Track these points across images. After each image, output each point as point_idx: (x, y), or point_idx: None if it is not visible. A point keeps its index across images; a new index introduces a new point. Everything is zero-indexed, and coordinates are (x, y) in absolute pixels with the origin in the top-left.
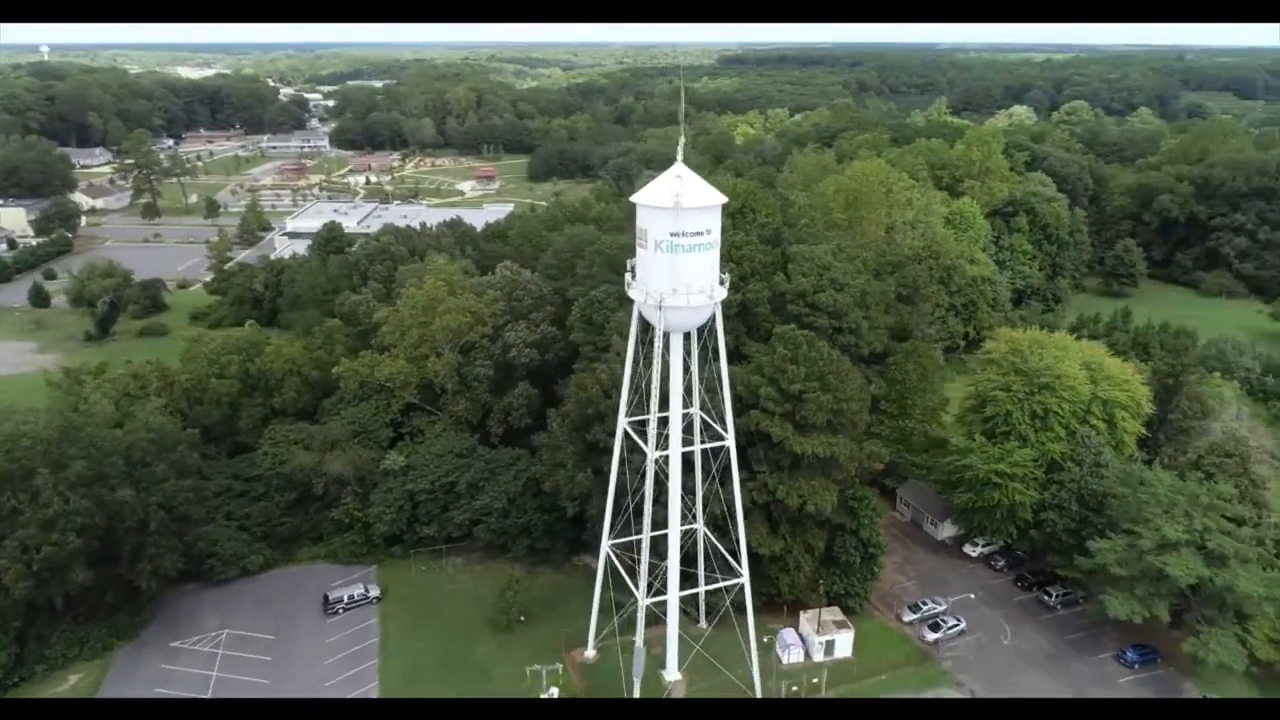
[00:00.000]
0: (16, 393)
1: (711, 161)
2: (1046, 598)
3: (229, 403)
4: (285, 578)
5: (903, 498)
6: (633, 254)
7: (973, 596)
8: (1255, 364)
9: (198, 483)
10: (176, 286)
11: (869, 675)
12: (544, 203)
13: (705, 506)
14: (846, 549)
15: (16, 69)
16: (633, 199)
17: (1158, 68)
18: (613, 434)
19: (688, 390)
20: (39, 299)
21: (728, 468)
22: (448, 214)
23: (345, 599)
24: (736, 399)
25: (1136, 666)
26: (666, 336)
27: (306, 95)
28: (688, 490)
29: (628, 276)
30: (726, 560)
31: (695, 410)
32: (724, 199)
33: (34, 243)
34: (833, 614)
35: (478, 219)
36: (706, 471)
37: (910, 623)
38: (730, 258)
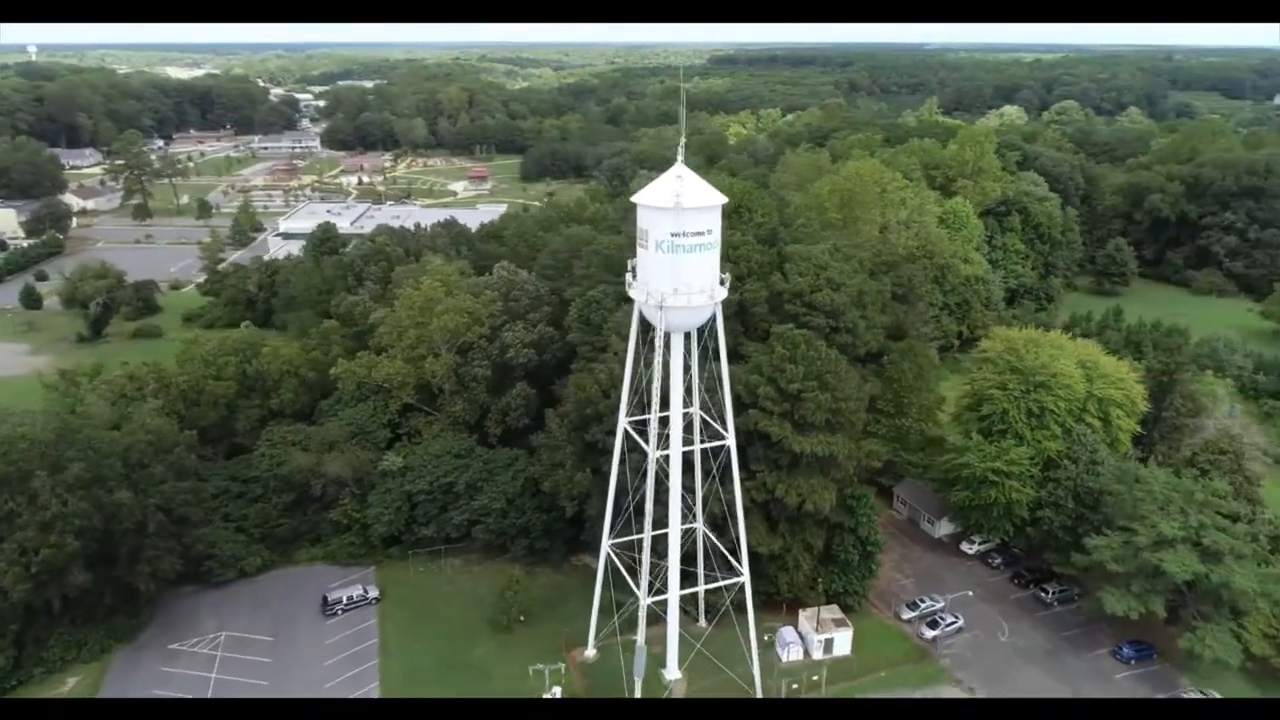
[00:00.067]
0: (10, 395)
1: (705, 162)
2: (1043, 595)
3: (226, 404)
4: (283, 579)
5: (899, 496)
6: (629, 254)
7: (970, 594)
8: (1247, 362)
9: (196, 484)
10: (169, 288)
11: (868, 672)
12: (537, 203)
13: (705, 506)
14: (845, 547)
15: (4, 69)
16: (633, 199)
17: (1146, 68)
18: (611, 434)
19: (688, 390)
20: (31, 301)
21: (727, 467)
22: (441, 214)
23: (344, 600)
24: (735, 398)
25: (1133, 662)
26: (667, 336)
27: (297, 96)
28: (687, 489)
29: (628, 276)
30: (726, 559)
31: (695, 410)
32: (724, 199)
33: (25, 244)
34: (831, 612)
35: (472, 219)
36: (706, 471)
37: (909, 620)
38: (727, 257)
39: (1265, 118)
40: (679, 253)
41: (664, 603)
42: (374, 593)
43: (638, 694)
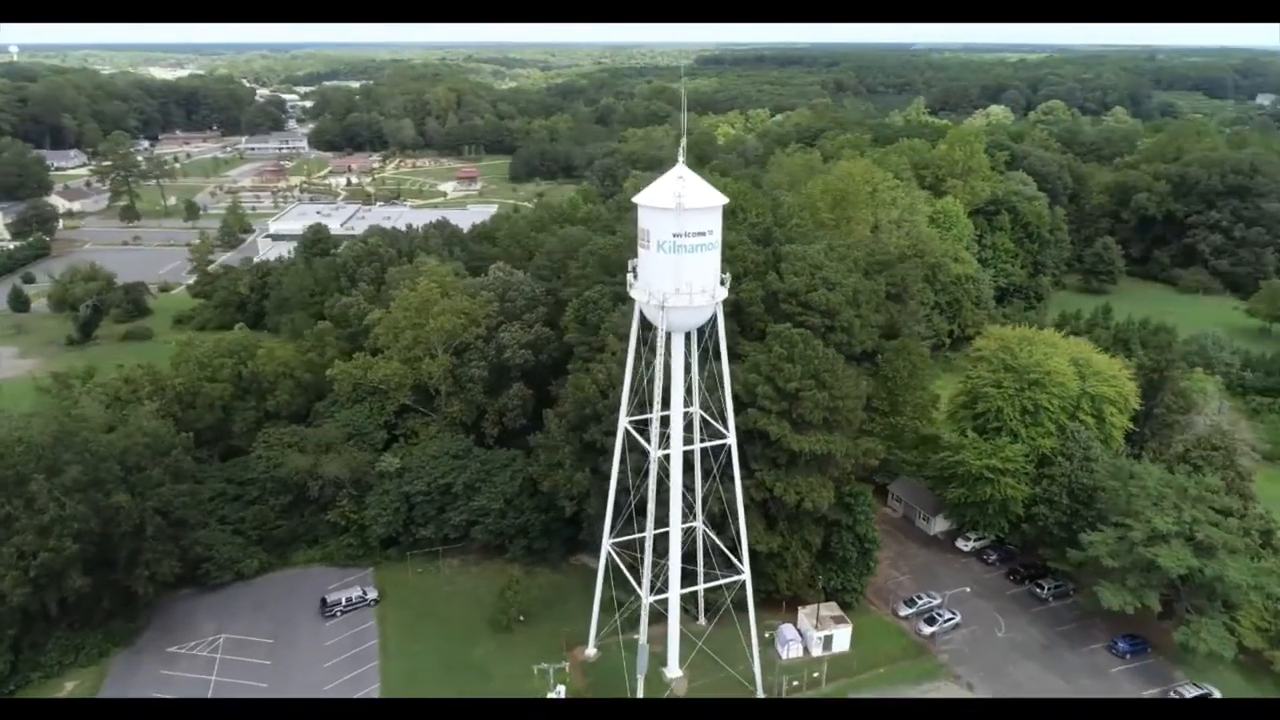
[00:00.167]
0: (2, 399)
1: (696, 162)
2: (1038, 590)
3: (222, 406)
4: (281, 581)
5: (894, 494)
6: (625, 254)
7: (968, 590)
8: (1234, 359)
9: (193, 487)
10: (159, 290)
11: (867, 669)
12: (527, 203)
13: (704, 504)
14: (843, 544)
15: None
16: (635, 199)
17: (1129, 67)
18: (609, 434)
19: (688, 389)
20: (18, 303)
21: (727, 466)
22: (431, 215)
23: (343, 601)
24: (734, 397)
25: (1128, 656)
26: (668, 336)
27: (283, 96)
28: (687, 488)
29: (629, 277)
30: (726, 557)
31: (695, 409)
32: (725, 199)
33: (11, 246)
34: (830, 609)
35: (463, 220)
36: (706, 470)
37: (906, 617)
38: (723, 257)
39: (1247, 117)
40: (681, 253)
41: (664, 601)
42: (373, 594)
43: (640, 693)
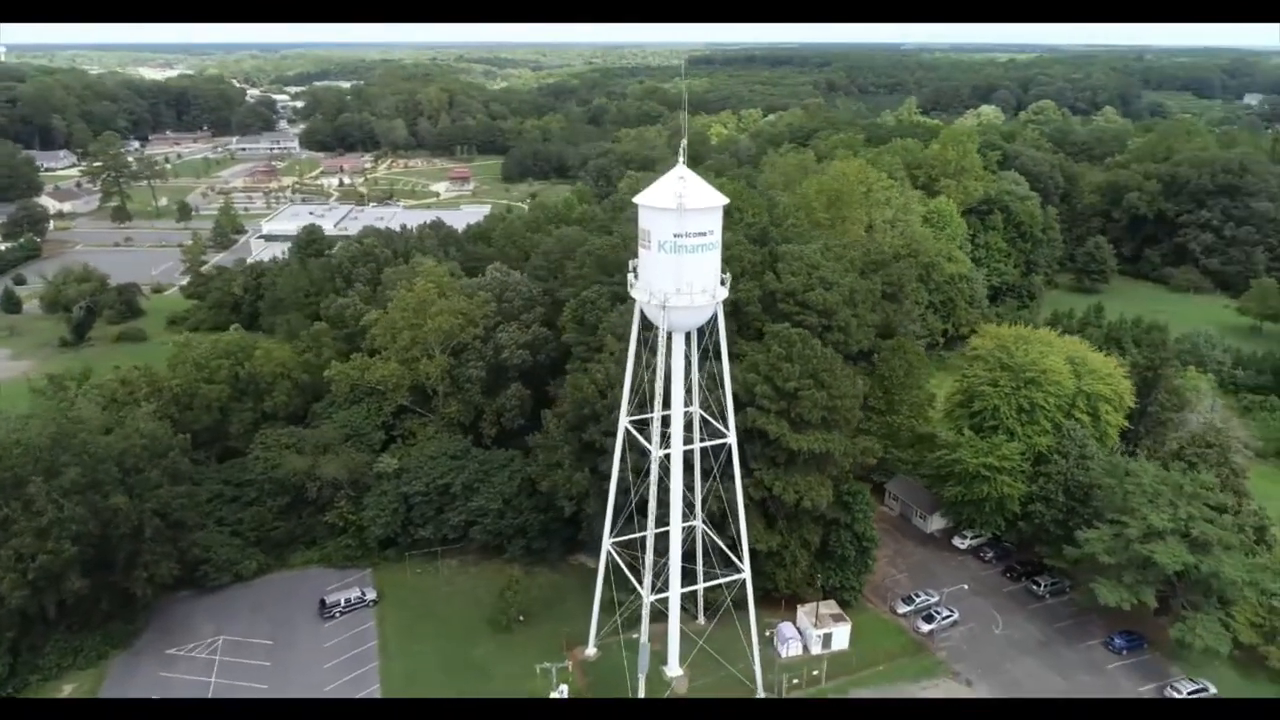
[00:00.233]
0: None
1: (690, 162)
2: (1035, 587)
3: (219, 407)
4: (280, 583)
5: (891, 492)
6: (622, 254)
7: (965, 587)
8: (1226, 357)
9: (191, 489)
10: (151, 291)
11: (866, 666)
12: (521, 204)
13: (704, 504)
14: (842, 543)
15: None
16: (635, 200)
17: (1118, 67)
18: (609, 433)
19: (688, 389)
20: (10, 305)
21: (727, 465)
22: (425, 216)
23: (342, 602)
24: (733, 397)
25: (1124, 652)
26: (668, 336)
27: (274, 96)
28: (687, 487)
29: (630, 277)
30: (725, 556)
31: (695, 409)
32: (725, 200)
33: (2, 248)
34: (829, 607)
35: (456, 220)
36: (705, 469)
37: (905, 614)
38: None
39: (1235, 116)
40: (681, 253)
41: (665, 600)
42: (372, 595)
43: (641, 692)
